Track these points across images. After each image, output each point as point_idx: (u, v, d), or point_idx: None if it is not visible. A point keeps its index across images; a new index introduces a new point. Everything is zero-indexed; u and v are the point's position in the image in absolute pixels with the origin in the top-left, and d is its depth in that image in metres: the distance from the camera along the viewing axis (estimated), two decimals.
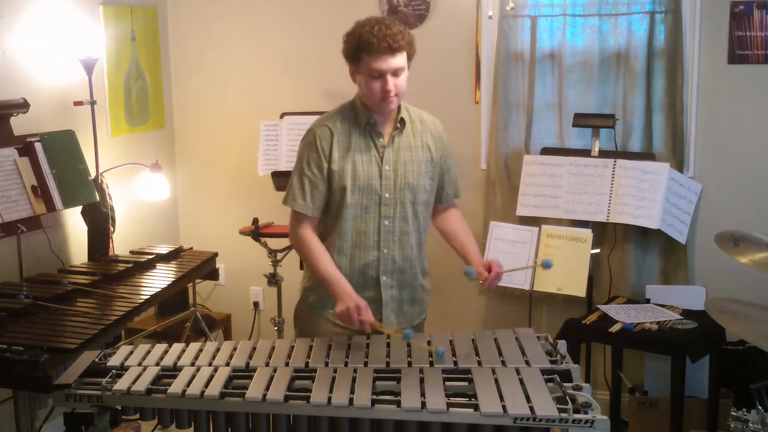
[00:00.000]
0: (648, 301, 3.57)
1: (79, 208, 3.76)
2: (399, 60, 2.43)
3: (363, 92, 2.52)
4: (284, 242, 3.97)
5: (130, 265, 3.52)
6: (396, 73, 2.44)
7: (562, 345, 2.40)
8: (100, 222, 3.80)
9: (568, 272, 3.47)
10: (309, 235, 2.57)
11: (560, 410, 2.00)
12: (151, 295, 3.20)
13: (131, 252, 3.81)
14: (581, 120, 3.66)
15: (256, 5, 4.38)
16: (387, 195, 2.55)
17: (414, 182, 2.57)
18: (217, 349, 2.42)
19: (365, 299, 2.59)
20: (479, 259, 2.62)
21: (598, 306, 3.52)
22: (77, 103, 3.77)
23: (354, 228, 2.57)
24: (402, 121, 2.56)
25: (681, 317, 3.34)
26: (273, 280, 4.04)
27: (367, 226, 2.56)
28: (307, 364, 2.29)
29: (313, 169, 2.53)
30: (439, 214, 2.79)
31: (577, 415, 2.00)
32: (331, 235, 2.60)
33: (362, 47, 2.42)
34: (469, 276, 2.49)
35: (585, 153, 3.67)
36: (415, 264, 2.66)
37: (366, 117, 2.54)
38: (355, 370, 2.24)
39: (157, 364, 2.33)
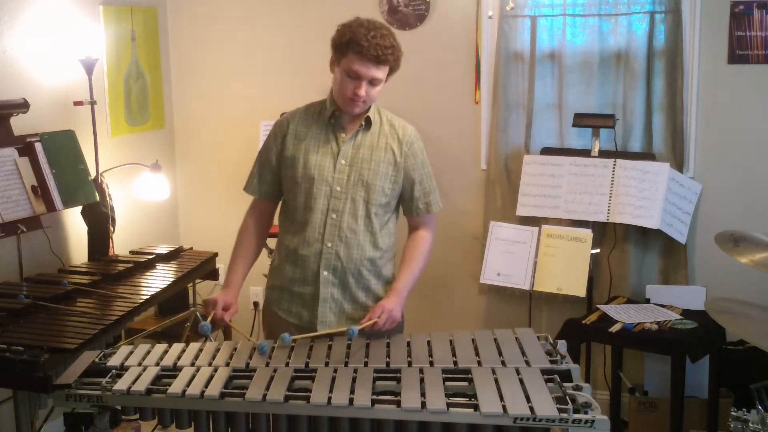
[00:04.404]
0: (648, 301, 3.57)
1: (79, 208, 3.76)
2: (380, 72, 2.46)
3: (335, 85, 2.54)
4: None
5: (130, 265, 3.51)
6: (373, 82, 2.47)
7: (562, 345, 2.39)
8: (100, 222, 3.80)
9: (568, 272, 3.47)
10: (247, 224, 2.68)
11: (560, 410, 1.99)
12: (151, 295, 3.20)
13: (131, 252, 3.81)
14: (581, 120, 3.66)
15: (256, 5, 4.38)
16: (338, 188, 2.54)
17: (369, 180, 2.54)
18: (217, 349, 2.42)
19: (302, 295, 2.59)
20: (386, 299, 2.48)
21: (598, 306, 3.52)
22: (77, 103, 3.77)
23: (301, 217, 2.57)
24: (368, 120, 2.57)
25: (681, 317, 3.35)
26: None
27: (314, 217, 2.54)
28: (307, 364, 2.29)
29: (264, 154, 2.65)
30: (410, 234, 2.69)
31: (577, 415, 2.00)
32: (283, 223, 2.66)
33: (352, 45, 2.43)
34: (350, 334, 2.36)
35: (585, 153, 3.67)
36: (363, 268, 2.57)
37: (332, 109, 2.56)
38: (355, 370, 2.24)
39: (157, 364, 2.33)
